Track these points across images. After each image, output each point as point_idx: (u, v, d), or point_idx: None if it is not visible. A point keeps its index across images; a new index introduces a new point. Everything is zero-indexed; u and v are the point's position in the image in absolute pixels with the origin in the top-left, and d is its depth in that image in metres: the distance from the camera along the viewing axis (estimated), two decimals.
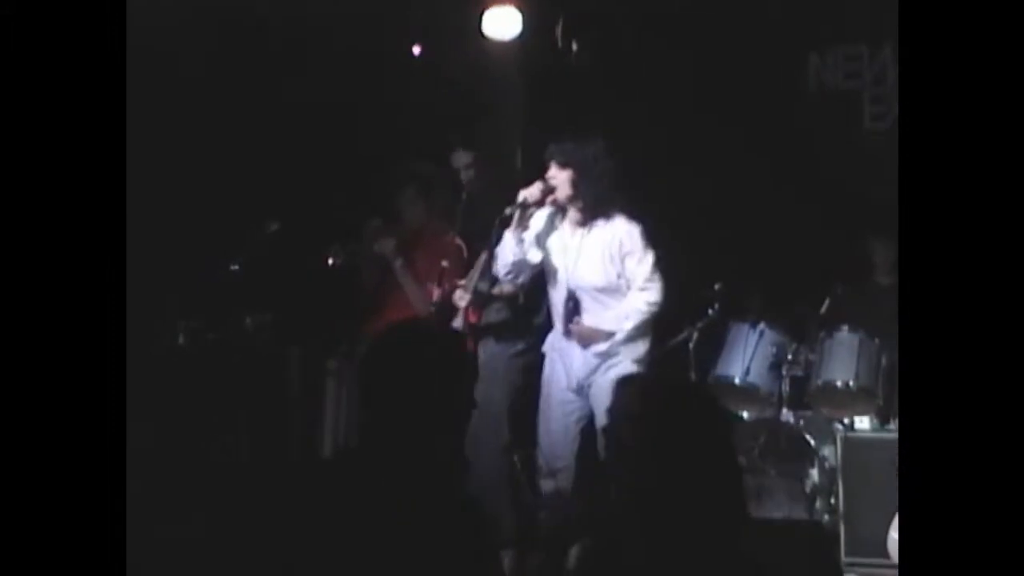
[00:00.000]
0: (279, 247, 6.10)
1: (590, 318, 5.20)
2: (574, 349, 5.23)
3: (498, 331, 5.57)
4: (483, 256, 5.50)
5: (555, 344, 5.33)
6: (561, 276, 5.26)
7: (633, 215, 5.25)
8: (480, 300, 5.53)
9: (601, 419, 4.79)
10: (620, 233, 5.20)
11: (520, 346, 5.58)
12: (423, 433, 2.69)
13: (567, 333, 5.23)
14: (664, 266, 5.27)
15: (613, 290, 5.21)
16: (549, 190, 5.16)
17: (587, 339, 5.18)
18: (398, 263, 5.83)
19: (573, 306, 5.20)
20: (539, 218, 5.28)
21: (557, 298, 5.30)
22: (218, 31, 6.41)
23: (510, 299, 5.62)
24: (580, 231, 5.24)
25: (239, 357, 5.98)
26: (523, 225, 5.17)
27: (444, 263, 5.49)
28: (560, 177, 5.17)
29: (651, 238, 5.25)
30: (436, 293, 5.50)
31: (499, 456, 5.49)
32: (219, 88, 6.52)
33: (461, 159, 5.91)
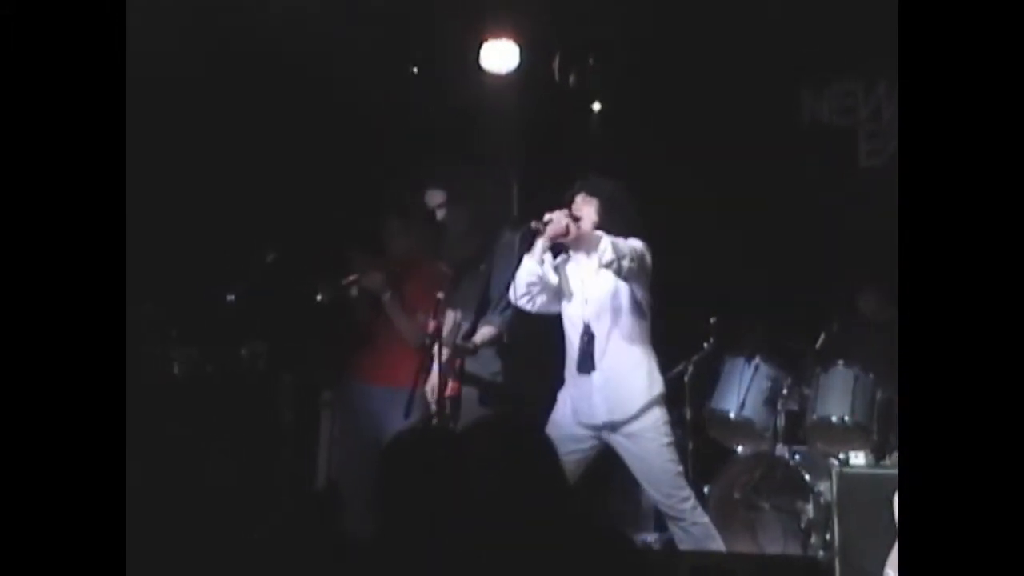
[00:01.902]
0: (275, 277, 6.09)
1: (605, 354, 5.17)
2: (591, 386, 5.20)
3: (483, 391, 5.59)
4: (456, 314, 5.49)
5: (568, 383, 5.29)
6: (577, 309, 5.24)
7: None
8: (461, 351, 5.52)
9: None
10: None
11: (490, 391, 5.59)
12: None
13: (585, 369, 5.19)
14: (660, 298, 5.27)
15: (628, 318, 5.17)
16: (574, 219, 5.16)
17: (585, 243, 5.12)
18: (386, 296, 5.81)
19: (588, 340, 5.17)
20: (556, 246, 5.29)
21: (573, 333, 5.26)
22: (212, 63, 6.44)
23: (493, 342, 5.61)
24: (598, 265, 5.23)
25: (234, 387, 5.97)
26: (544, 249, 5.17)
27: (440, 295, 5.48)
28: (586, 210, 5.18)
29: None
30: (431, 325, 5.49)
31: None
32: (215, 120, 6.54)
33: (435, 198, 5.87)
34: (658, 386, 5.18)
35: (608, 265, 4.95)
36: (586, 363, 5.17)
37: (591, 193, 5.23)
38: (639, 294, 5.17)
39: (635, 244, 5.06)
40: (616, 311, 5.16)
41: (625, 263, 4.95)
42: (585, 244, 5.12)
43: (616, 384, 5.12)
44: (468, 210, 5.90)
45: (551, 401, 5.32)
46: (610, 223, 5.15)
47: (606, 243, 4.93)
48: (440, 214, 5.85)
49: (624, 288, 5.15)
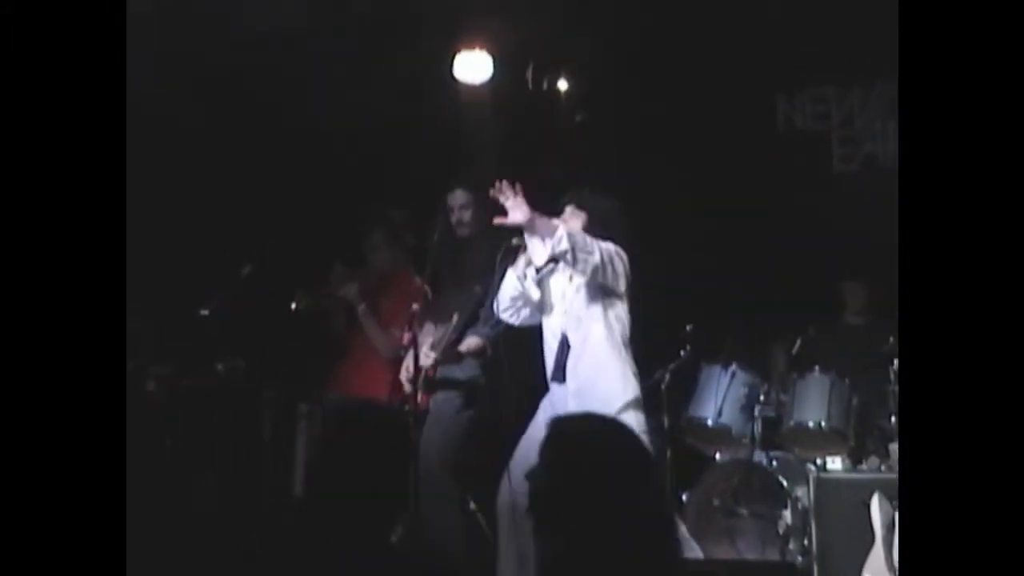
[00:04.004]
0: (250, 291, 6.08)
1: (579, 364, 5.15)
2: (566, 394, 5.20)
3: (452, 387, 5.58)
4: (455, 317, 5.50)
5: (549, 392, 5.26)
6: (556, 320, 5.23)
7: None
8: (447, 357, 5.53)
9: None
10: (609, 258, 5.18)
11: (467, 402, 5.58)
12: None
13: (557, 379, 5.20)
14: (636, 308, 5.28)
15: (604, 328, 5.17)
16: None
17: (541, 228, 4.94)
18: (361, 308, 5.83)
19: (563, 350, 5.14)
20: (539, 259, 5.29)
21: (551, 343, 5.24)
22: (186, 73, 6.42)
23: (478, 354, 5.62)
24: (577, 275, 5.22)
25: (211, 403, 5.95)
26: (526, 263, 5.16)
27: (415, 306, 5.49)
28: (572, 223, 5.16)
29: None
30: (407, 337, 5.50)
31: (450, 504, 5.50)
32: (191, 132, 6.52)
33: (458, 199, 5.80)
34: (632, 391, 5.16)
35: (562, 255, 4.89)
36: (558, 373, 5.18)
37: (580, 206, 5.22)
38: (616, 302, 5.18)
39: (605, 245, 5.04)
40: (592, 320, 5.17)
41: (582, 256, 4.89)
42: (541, 229, 4.96)
43: (590, 392, 5.11)
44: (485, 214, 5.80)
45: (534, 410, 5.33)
46: (596, 236, 5.15)
47: (561, 232, 4.88)
48: (460, 216, 5.76)
49: (601, 298, 5.15)
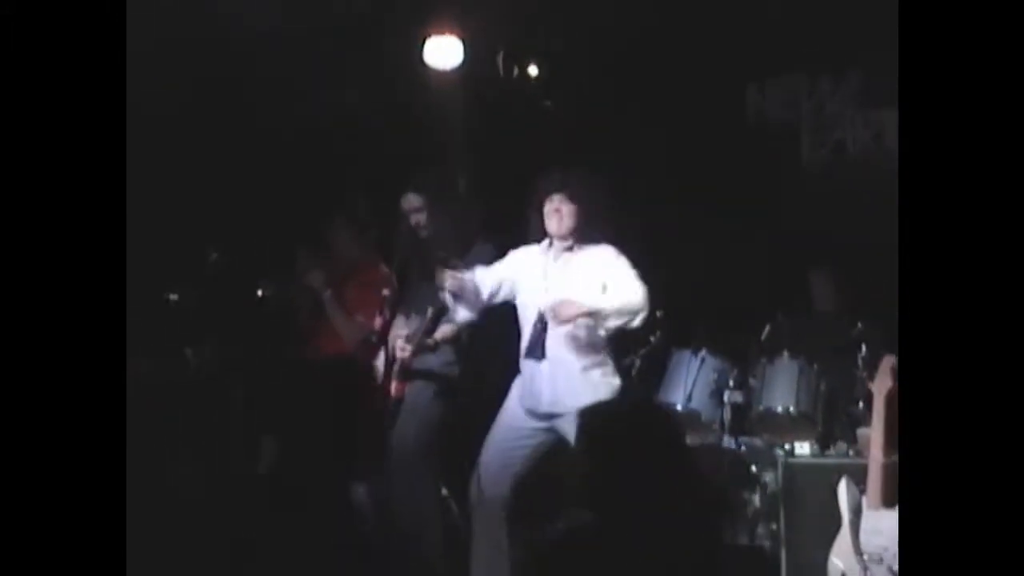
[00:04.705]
0: (219, 277, 6.05)
1: (558, 344, 5.15)
2: (539, 372, 5.20)
3: (427, 377, 5.57)
4: (429, 311, 5.48)
5: (521, 371, 5.27)
6: (534, 297, 5.21)
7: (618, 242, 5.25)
8: (422, 348, 5.52)
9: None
10: (606, 259, 5.19)
11: (441, 391, 5.58)
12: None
13: (534, 356, 5.19)
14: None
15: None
16: (552, 213, 5.17)
17: (564, 315, 5.01)
18: (326, 295, 5.81)
19: (542, 327, 5.13)
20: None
21: (526, 320, 5.23)
22: (150, 61, 6.37)
23: (452, 341, 5.62)
24: (564, 255, 5.22)
25: (180, 388, 5.92)
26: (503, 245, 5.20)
27: (385, 291, 5.48)
28: (565, 209, 5.16)
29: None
30: (378, 322, 5.48)
31: (424, 493, 5.50)
32: (157, 120, 6.47)
33: (411, 202, 5.70)
34: (604, 390, 5.15)
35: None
36: (536, 350, 5.17)
37: (573, 198, 5.18)
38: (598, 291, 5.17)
39: (631, 300, 5.04)
40: (574, 299, 5.15)
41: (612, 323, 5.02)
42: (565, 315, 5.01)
43: (565, 377, 5.11)
44: (446, 216, 5.75)
45: (507, 391, 5.34)
46: (586, 233, 5.18)
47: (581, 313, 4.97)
48: (417, 219, 5.69)
49: (593, 289, 5.13)
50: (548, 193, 5.20)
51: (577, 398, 4.79)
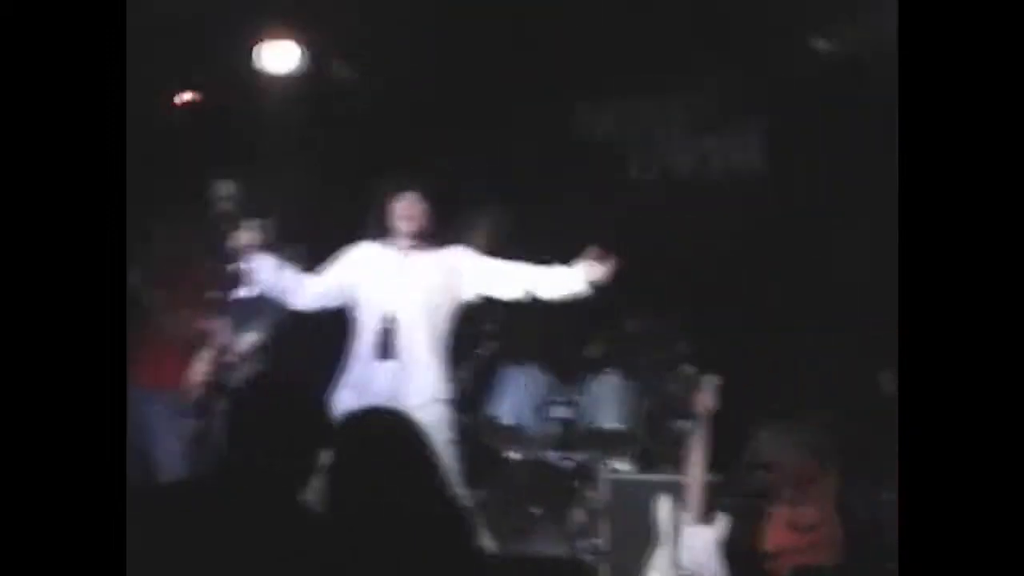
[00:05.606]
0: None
1: (406, 344, 5.11)
2: (384, 371, 5.11)
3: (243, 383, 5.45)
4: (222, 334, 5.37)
5: (355, 369, 5.18)
6: (379, 294, 5.16)
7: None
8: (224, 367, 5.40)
9: None
10: (456, 260, 5.22)
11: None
12: None
13: (383, 357, 5.11)
14: None
15: (434, 315, 5.17)
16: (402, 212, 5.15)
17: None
18: (152, 293, 5.66)
19: (391, 327, 5.09)
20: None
21: (369, 318, 5.17)
22: None
23: (260, 351, 5.52)
24: (415, 253, 5.19)
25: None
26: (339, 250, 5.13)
27: (211, 294, 5.34)
28: (417, 208, 5.15)
29: None
30: (203, 325, 5.35)
31: None
32: None
33: (222, 189, 5.65)
34: (444, 388, 5.18)
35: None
36: (386, 350, 5.11)
37: (425, 198, 5.19)
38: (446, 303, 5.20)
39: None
40: (432, 309, 5.15)
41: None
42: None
43: (411, 374, 5.07)
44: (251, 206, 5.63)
45: (327, 388, 5.25)
46: (438, 232, 5.19)
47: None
48: (224, 205, 5.55)
49: (450, 290, 5.17)
50: (397, 192, 5.17)
51: (421, 394, 4.95)
